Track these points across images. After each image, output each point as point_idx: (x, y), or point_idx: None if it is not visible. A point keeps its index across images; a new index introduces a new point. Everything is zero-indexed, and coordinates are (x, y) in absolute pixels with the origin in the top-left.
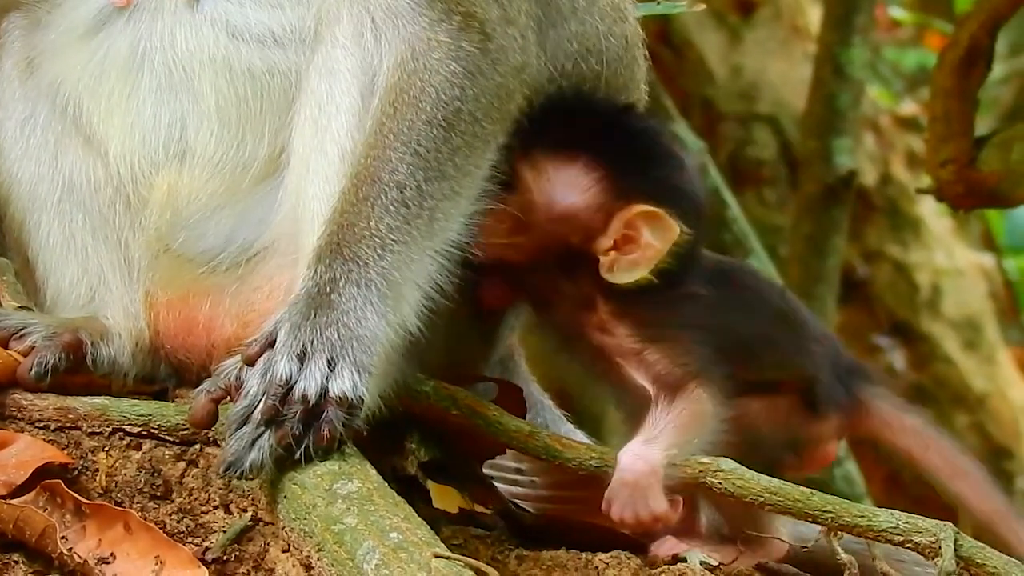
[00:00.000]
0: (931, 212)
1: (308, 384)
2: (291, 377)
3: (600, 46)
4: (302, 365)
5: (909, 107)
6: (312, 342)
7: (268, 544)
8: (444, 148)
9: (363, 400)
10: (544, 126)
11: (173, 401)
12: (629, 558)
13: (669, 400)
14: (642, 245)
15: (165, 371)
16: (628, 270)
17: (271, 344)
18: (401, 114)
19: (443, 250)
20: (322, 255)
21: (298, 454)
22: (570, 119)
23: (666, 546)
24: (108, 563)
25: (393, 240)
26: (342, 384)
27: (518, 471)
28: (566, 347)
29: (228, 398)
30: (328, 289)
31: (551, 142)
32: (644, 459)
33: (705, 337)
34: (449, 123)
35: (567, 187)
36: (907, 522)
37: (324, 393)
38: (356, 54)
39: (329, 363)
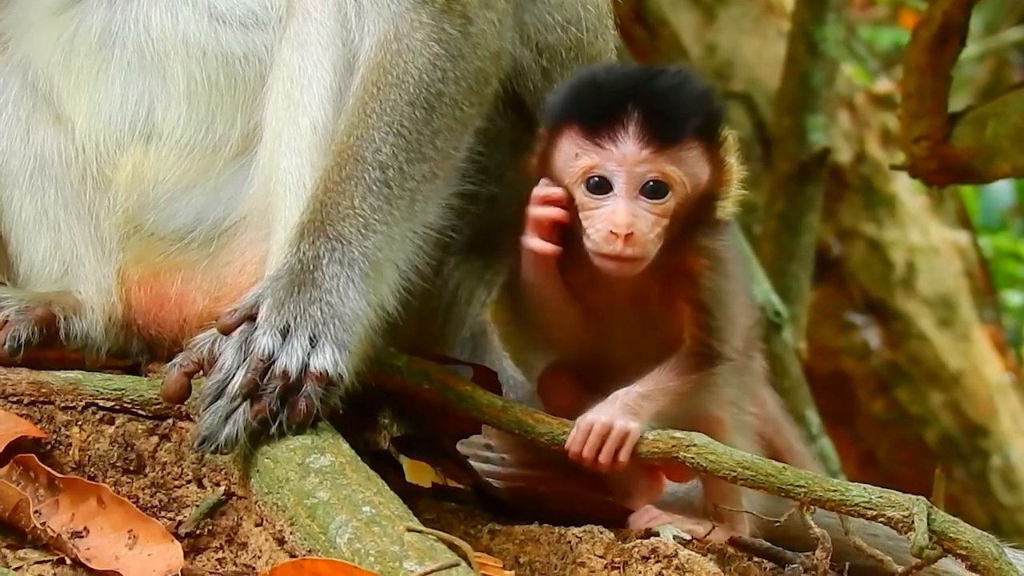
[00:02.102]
0: (906, 190)
1: (290, 360)
2: (273, 352)
3: (579, 15)
4: (284, 341)
5: (884, 85)
6: (296, 319)
7: (241, 518)
8: (426, 130)
9: (343, 377)
10: (651, 124)
11: (146, 375)
12: (602, 532)
13: (694, 363)
14: (727, 169)
15: (138, 346)
16: (733, 196)
17: (251, 318)
18: (384, 94)
19: (422, 232)
20: (305, 232)
21: (273, 429)
22: (660, 108)
23: (646, 517)
24: (81, 537)
25: (376, 220)
26: (323, 361)
27: (487, 448)
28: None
29: (201, 372)
30: (312, 267)
31: (670, 136)
32: (625, 421)
33: (742, 306)
34: (431, 105)
35: (701, 165)
36: (880, 496)
37: (304, 369)
38: (330, 27)
39: (311, 340)
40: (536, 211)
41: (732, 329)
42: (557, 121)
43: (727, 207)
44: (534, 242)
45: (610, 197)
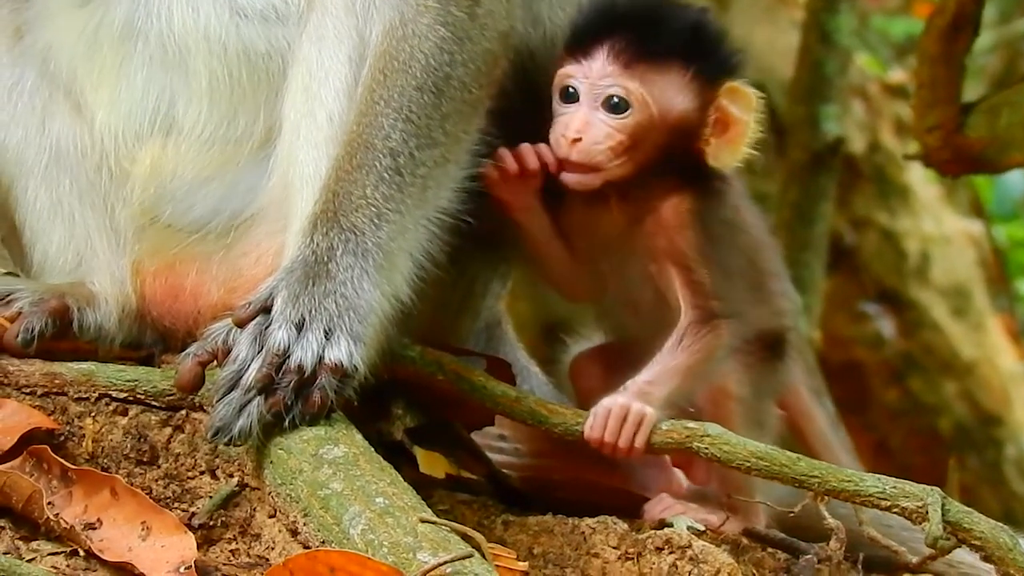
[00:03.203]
0: (919, 179)
1: (305, 354)
2: (288, 346)
3: None
4: (299, 334)
5: (897, 75)
6: (311, 312)
7: (254, 509)
8: (435, 114)
9: (357, 369)
10: (623, 43)
11: (159, 367)
12: (616, 523)
13: (693, 331)
14: (733, 122)
15: (151, 337)
16: (731, 150)
17: (266, 310)
18: (391, 80)
19: (434, 219)
20: (318, 223)
21: (286, 421)
22: (639, 30)
23: (660, 506)
24: (94, 528)
25: (389, 209)
26: (338, 353)
27: (501, 438)
28: (603, 252)
29: (215, 362)
30: (326, 258)
31: (642, 55)
32: (641, 405)
33: (744, 272)
34: (439, 89)
35: (677, 92)
36: (894, 487)
37: (319, 361)
38: (345, 20)
39: (326, 333)
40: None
41: (730, 287)
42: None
43: (723, 159)
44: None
45: (574, 106)
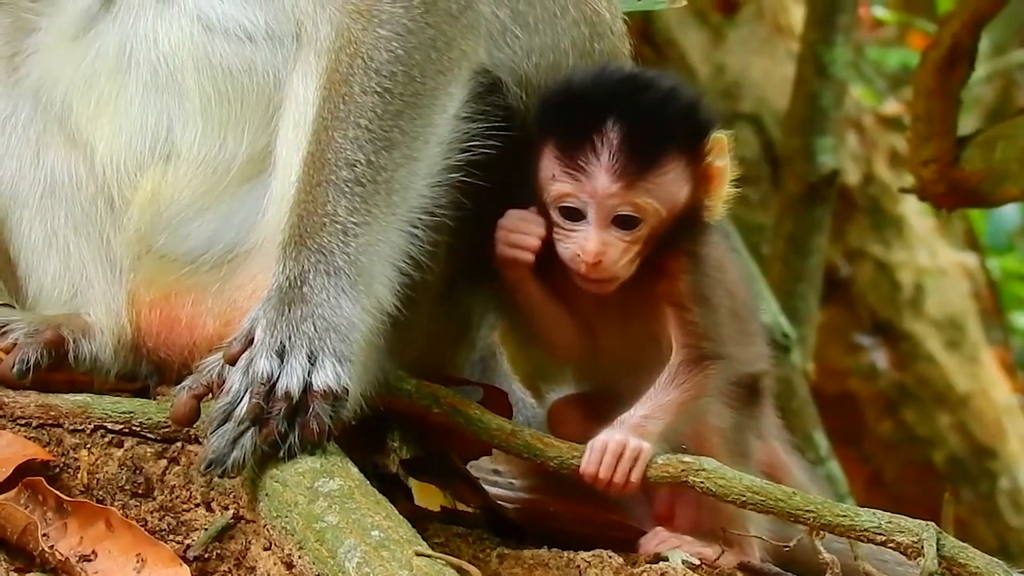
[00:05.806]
0: (914, 211)
1: (290, 380)
2: (272, 375)
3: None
4: (282, 362)
5: (892, 107)
6: (290, 338)
7: (249, 542)
8: (386, 115)
9: (347, 390)
10: (620, 157)
11: (155, 399)
12: (611, 557)
13: (684, 370)
14: (716, 172)
15: (147, 368)
16: (719, 198)
17: (251, 342)
18: (336, 91)
19: (410, 219)
20: (287, 248)
21: (283, 451)
22: (630, 136)
23: (656, 540)
24: (89, 560)
25: (354, 223)
26: (325, 377)
27: (495, 473)
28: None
29: (210, 395)
30: (299, 282)
31: (643, 166)
32: (638, 440)
33: (732, 314)
34: (385, 88)
35: (680, 185)
36: (889, 522)
37: (307, 388)
38: (323, 54)
39: (309, 357)
40: (510, 236)
41: (719, 328)
42: (540, 132)
43: (716, 209)
44: (505, 249)
45: (582, 224)
